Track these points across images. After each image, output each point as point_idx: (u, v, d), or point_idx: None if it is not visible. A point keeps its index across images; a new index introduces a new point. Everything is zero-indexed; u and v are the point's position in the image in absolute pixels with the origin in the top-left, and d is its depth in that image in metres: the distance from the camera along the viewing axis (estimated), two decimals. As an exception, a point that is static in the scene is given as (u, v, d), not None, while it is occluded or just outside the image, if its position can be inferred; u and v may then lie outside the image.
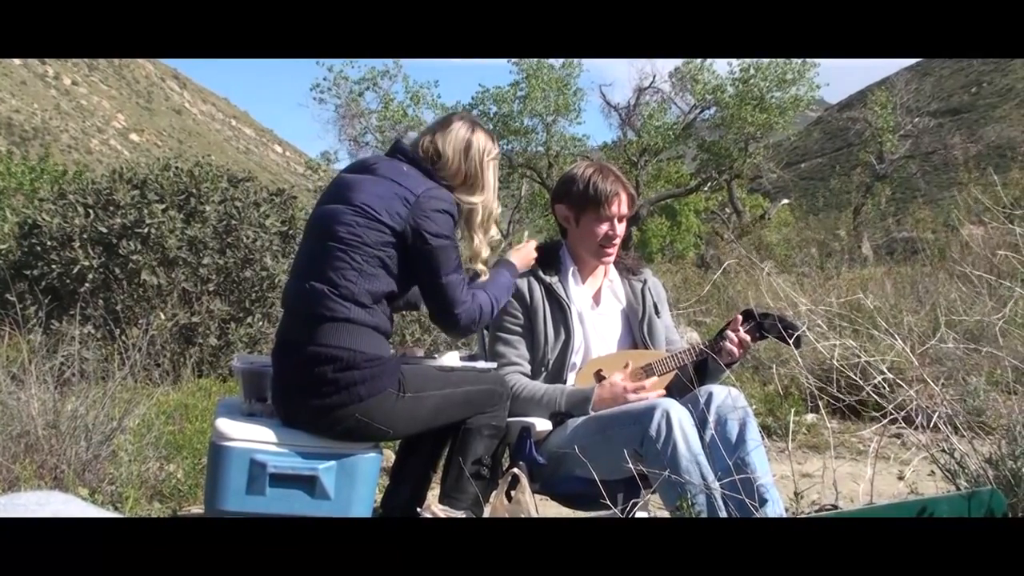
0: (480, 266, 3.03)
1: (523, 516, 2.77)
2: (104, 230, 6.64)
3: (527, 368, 3.19)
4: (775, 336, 3.12)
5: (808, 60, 24.20)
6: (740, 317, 3.18)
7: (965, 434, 3.00)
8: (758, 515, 2.58)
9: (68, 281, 6.55)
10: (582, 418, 3.03)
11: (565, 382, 3.16)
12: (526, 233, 3.45)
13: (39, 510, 1.40)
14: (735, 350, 3.09)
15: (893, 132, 29.24)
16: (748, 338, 3.11)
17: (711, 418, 2.87)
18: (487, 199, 3.07)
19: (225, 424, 2.83)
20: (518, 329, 3.20)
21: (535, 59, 24.49)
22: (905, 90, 31.05)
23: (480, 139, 3.07)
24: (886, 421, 2.97)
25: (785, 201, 31.69)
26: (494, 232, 3.10)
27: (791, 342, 3.06)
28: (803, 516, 2.26)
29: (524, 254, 3.28)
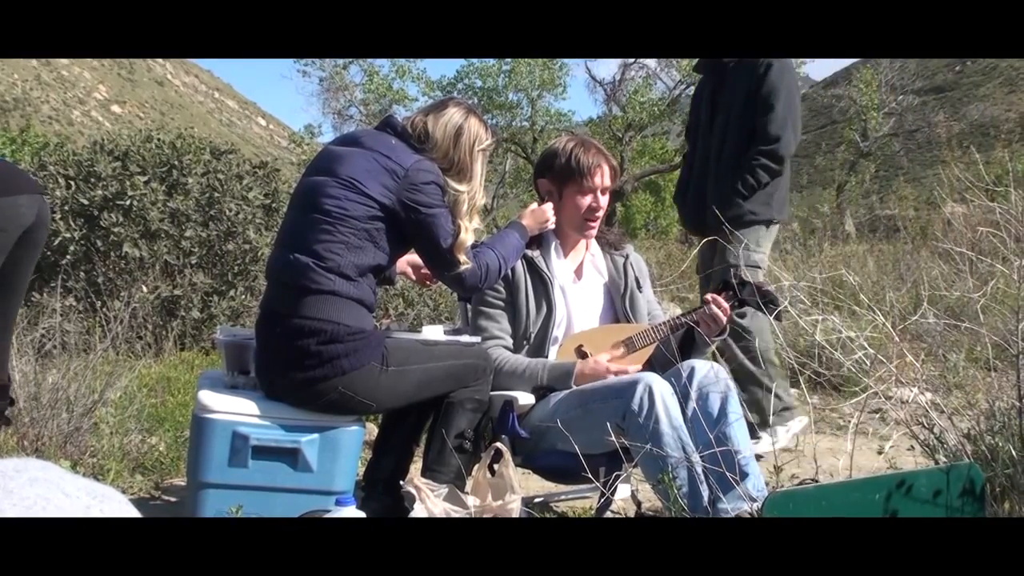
0: (462, 256, 2.99)
1: (505, 491, 2.78)
2: (85, 202, 6.59)
3: (509, 342, 3.19)
4: (752, 305, 3.13)
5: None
6: (718, 286, 3.19)
7: (944, 410, 3.02)
8: (739, 489, 2.60)
9: (49, 253, 6.49)
10: (565, 392, 3.03)
11: (547, 356, 3.17)
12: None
13: (16, 476, 1.40)
14: (718, 315, 3.09)
15: (877, 110, 29.27)
16: (726, 305, 3.11)
17: (693, 392, 2.89)
18: (473, 189, 3.04)
19: (208, 396, 2.83)
20: (500, 303, 3.21)
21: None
22: (889, 68, 31.06)
23: (473, 126, 3.03)
24: (866, 396, 2.99)
25: (769, 178, 31.67)
26: (478, 222, 3.08)
27: (768, 313, 3.07)
28: (781, 491, 2.28)
29: (537, 216, 3.25)
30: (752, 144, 4.30)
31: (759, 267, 4.30)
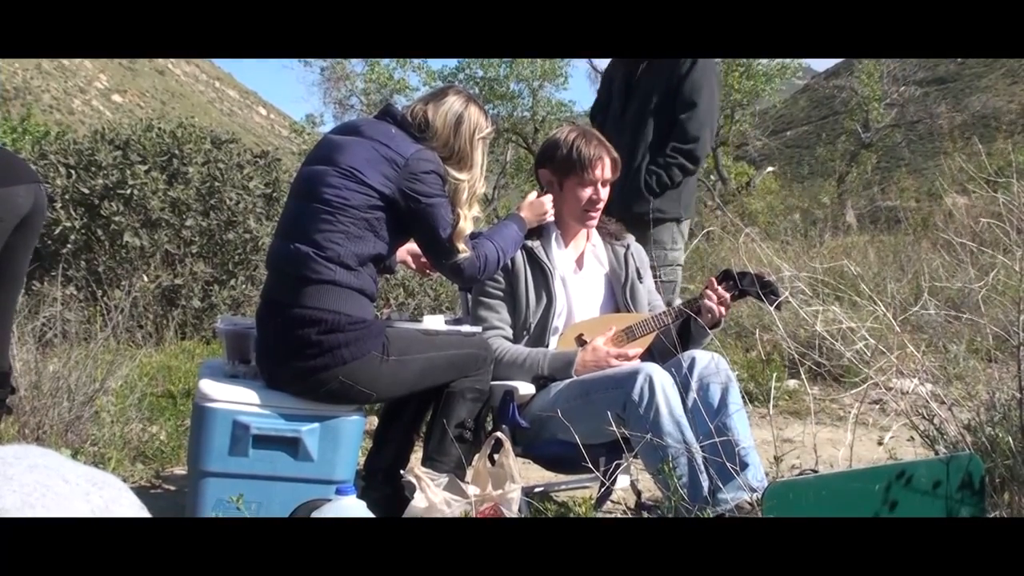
0: (461, 245, 2.98)
1: (506, 480, 2.79)
2: (86, 191, 6.59)
3: (509, 332, 3.19)
4: (753, 295, 3.13)
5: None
6: (719, 276, 3.19)
7: (945, 401, 3.02)
8: (739, 479, 2.60)
9: (50, 242, 6.50)
10: (565, 382, 3.04)
11: (547, 346, 3.17)
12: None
13: (16, 463, 1.40)
14: (715, 307, 3.10)
15: (879, 101, 29.19)
16: (727, 295, 3.12)
17: (694, 383, 2.89)
18: (474, 177, 3.03)
19: (208, 385, 2.83)
20: (499, 293, 3.21)
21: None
22: (892, 58, 30.99)
23: (473, 115, 3.02)
24: (866, 386, 2.99)
25: (770, 169, 31.64)
26: (477, 211, 3.08)
27: (769, 302, 3.07)
28: (781, 481, 2.28)
29: (535, 208, 3.25)
30: (667, 141, 4.07)
31: (679, 264, 4.17)
